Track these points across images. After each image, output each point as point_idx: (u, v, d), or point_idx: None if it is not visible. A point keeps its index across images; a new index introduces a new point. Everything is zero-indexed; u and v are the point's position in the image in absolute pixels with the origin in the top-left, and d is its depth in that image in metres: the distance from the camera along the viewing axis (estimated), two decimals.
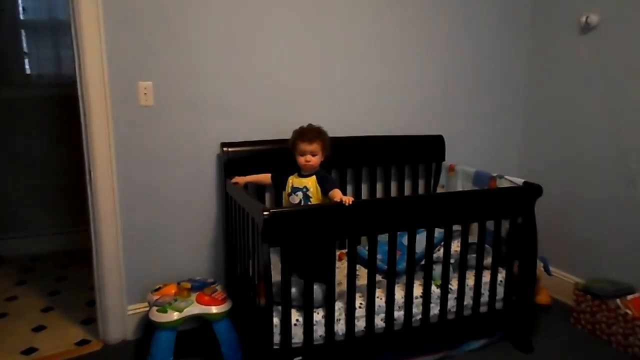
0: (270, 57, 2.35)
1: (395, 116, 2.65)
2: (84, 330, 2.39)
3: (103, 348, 2.26)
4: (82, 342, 2.29)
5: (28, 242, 3.37)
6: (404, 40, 2.60)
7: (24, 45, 3.32)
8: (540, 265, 2.42)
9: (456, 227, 2.11)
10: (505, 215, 2.15)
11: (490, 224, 2.13)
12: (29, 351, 2.22)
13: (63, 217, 3.43)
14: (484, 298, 2.16)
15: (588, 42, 2.55)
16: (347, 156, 2.47)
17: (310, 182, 2.02)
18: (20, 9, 3.27)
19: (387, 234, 1.92)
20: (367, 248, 1.92)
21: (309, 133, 2.06)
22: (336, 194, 1.89)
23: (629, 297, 2.28)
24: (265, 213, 1.67)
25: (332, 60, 2.47)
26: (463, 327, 2.16)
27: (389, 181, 2.64)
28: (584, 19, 2.51)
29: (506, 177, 2.30)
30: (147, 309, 2.16)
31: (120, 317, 2.28)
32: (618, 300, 2.29)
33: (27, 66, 3.35)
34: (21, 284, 2.93)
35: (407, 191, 2.70)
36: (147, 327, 2.16)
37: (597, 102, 2.54)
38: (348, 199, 1.81)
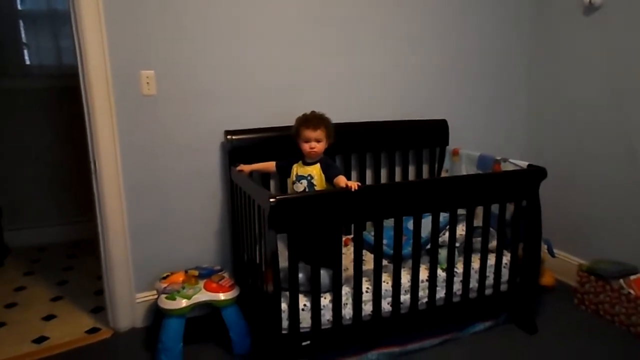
0: (273, 45, 2.33)
1: (399, 101, 2.64)
2: (93, 318, 2.42)
3: (113, 336, 2.29)
4: (92, 330, 2.32)
5: (34, 233, 3.39)
6: (407, 26, 2.58)
7: (23, 35, 3.29)
8: (544, 247, 2.43)
9: (461, 211, 2.12)
10: (510, 198, 2.16)
11: (495, 208, 2.14)
12: (40, 340, 2.25)
13: (68, 208, 3.45)
14: (489, 281, 2.18)
15: (592, 22, 2.53)
16: (351, 142, 2.47)
17: (315, 171, 2.03)
18: None
19: (392, 219, 1.93)
20: (372, 234, 1.93)
21: (313, 120, 2.05)
22: (341, 180, 1.90)
23: (632, 277, 2.30)
24: (272, 200, 1.68)
25: (335, 47, 2.46)
26: (468, 310, 2.19)
27: (393, 166, 2.64)
28: None
29: (510, 160, 2.29)
30: (156, 296, 2.18)
31: (129, 305, 2.30)
32: (621, 281, 2.31)
33: (26, 57, 3.33)
34: (29, 274, 2.96)
35: (411, 176, 2.70)
36: (156, 314, 2.18)
37: (600, 84, 2.53)
38: (354, 184, 1.81)
